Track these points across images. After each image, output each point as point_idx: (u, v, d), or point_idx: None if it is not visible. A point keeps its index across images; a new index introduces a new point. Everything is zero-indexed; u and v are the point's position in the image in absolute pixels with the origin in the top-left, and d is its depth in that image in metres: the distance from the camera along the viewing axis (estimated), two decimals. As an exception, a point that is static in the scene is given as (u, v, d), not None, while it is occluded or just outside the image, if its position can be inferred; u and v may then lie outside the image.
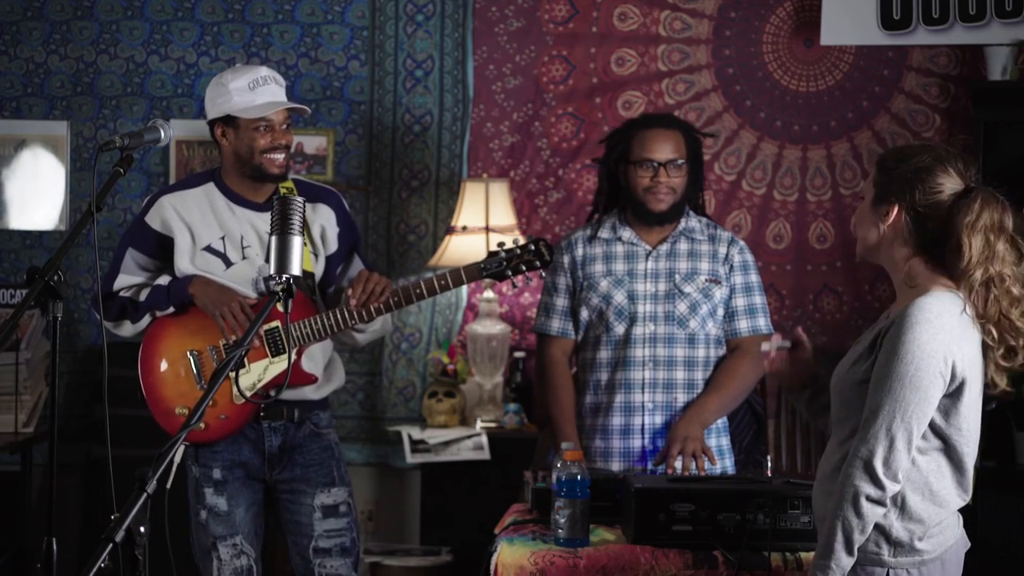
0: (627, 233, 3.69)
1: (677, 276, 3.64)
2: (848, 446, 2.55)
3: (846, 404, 2.61)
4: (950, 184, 2.56)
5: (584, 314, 3.68)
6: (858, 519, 2.48)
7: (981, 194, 2.54)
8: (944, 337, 2.48)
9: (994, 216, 2.52)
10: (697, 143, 3.72)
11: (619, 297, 3.64)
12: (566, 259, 3.71)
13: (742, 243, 3.73)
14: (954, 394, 2.52)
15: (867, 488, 2.47)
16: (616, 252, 3.68)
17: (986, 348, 2.55)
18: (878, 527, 2.52)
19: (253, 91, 3.51)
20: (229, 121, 3.52)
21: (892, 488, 2.48)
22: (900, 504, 2.52)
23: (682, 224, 3.68)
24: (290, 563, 3.68)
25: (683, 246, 3.67)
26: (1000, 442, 4.45)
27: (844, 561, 2.49)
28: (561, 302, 3.72)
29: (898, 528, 2.52)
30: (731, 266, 3.67)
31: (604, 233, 3.70)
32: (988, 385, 2.57)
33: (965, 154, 2.67)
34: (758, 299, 3.69)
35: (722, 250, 3.68)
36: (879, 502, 2.48)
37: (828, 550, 2.49)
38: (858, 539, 2.49)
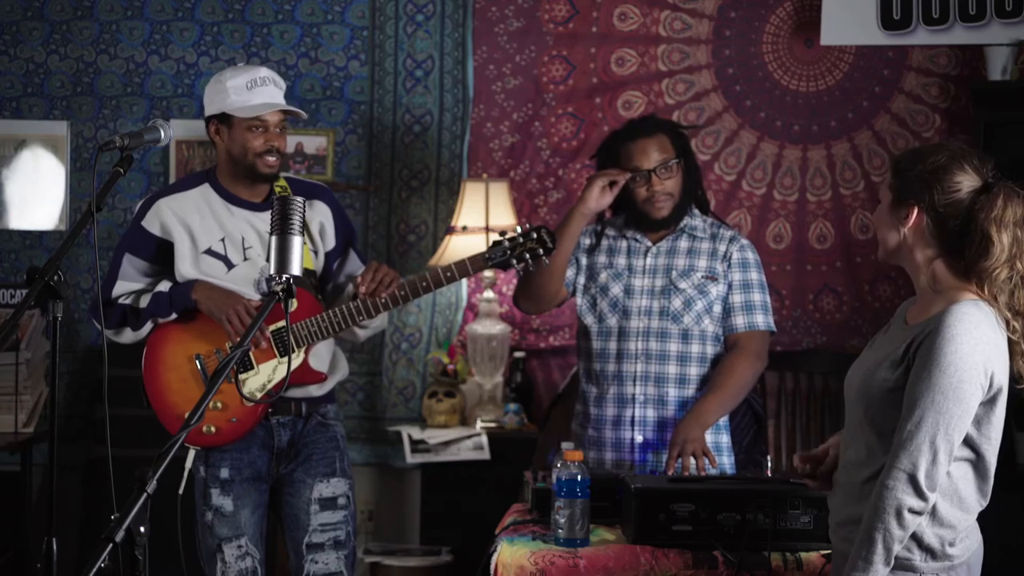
0: (631, 232, 3.71)
1: (674, 272, 3.66)
2: (877, 451, 2.53)
3: (873, 410, 2.57)
4: (968, 181, 2.52)
5: (582, 302, 3.72)
6: (901, 531, 2.45)
7: (1004, 189, 2.50)
8: (983, 347, 2.46)
9: (1018, 211, 2.49)
10: (684, 139, 3.72)
11: (615, 290, 3.67)
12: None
13: (745, 241, 3.74)
14: (989, 403, 2.51)
15: (911, 501, 2.45)
16: (620, 247, 3.72)
17: (1011, 343, 2.53)
18: (911, 534, 2.49)
19: (251, 91, 3.50)
20: (224, 119, 3.52)
21: (932, 499, 2.47)
22: (932, 511, 2.50)
23: (684, 222, 3.70)
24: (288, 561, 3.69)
25: (684, 244, 3.69)
26: (1000, 442, 4.43)
27: (882, 572, 2.46)
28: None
29: (930, 535, 2.51)
30: (730, 263, 3.68)
31: (611, 231, 3.74)
32: (1015, 379, 2.55)
33: (981, 151, 2.62)
34: (757, 296, 3.68)
35: (722, 248, 3.69)
36: (920, 513, 2.46)
37: (867, 563, 2.46)
38: (896, 550, 2.47)
